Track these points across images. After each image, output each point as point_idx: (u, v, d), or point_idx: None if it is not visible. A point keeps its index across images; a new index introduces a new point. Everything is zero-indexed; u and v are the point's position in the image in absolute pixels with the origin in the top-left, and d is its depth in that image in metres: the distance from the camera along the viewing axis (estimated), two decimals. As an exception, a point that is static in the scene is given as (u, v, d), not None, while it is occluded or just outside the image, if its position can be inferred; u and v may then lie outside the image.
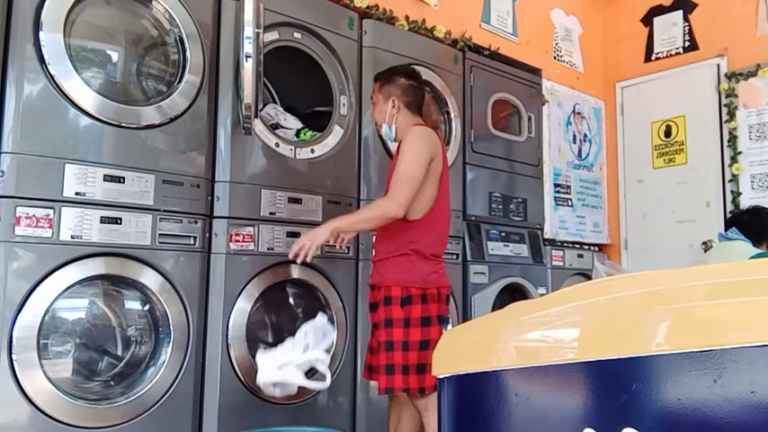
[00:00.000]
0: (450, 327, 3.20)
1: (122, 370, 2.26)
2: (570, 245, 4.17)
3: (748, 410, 0.86)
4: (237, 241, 2.45)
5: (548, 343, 1.11)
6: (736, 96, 4.05)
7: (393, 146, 2.68)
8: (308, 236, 2.24)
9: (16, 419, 1.94)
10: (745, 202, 3.98)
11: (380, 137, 2.83)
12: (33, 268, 2.01)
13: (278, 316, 2.78)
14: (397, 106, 2.35)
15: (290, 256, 2.27)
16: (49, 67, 2.07)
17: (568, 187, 4.30)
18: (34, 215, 2.02)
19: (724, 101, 4.10)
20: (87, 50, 2.28)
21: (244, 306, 2.44)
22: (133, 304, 2.31)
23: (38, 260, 2.02)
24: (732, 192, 4.02)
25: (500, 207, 3.65)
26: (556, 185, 4.20)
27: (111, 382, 2.22)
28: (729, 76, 4.08)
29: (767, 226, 3.10)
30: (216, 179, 2.47)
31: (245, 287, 2.45)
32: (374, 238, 2.54)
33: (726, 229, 3.23)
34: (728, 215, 3.28)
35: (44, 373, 1.99)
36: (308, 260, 2.26)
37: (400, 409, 2.39)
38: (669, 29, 4.44)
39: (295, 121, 2.79)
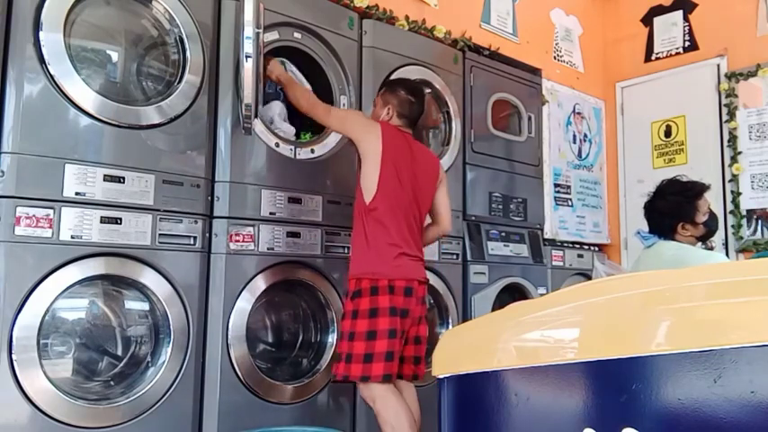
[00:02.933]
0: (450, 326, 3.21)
1: (122, 370, 2.26)
2: (570, 245, 4.17)
3: (748, 410, 0.86)
4: (237, 241, 2.45)
5: (548, 343, 1.11)
6: (736, 96, 4.05)
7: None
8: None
9: (16, 419, 1.94)
10: (745, 203, 3.98)
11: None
12: (33, 268, 2.01)
13: (278, 316, 2.78)
14: (390, 115, 2.48)
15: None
16: (48, 67, 2.07)
17: (568, 187, 4.30)
18: (34, 215, 2.02)
19: (724, 101, 4.10)
20: (87, 50, 2.28)
21: (244, 306, 2.44)
22: (133, 304, 2.31)
23: (38, 260, 2.02)
24: (732, 192, 4.02)
25: (500, 207, 3.65)
26: (556, 185, 4.20)
27: (111, 382, 2.22)
28: (729, 76, 4.08)
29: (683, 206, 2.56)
30: (216, 179, 2.47)
31: (245, 287, 2.45)
32: None
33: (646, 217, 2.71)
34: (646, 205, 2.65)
35: (44, 373, 1.99)
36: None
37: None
38: (669, 29, 4.44)
39: (289, 128, 2.78)
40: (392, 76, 3.03)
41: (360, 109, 2.93)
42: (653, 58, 4.51)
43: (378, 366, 2.20)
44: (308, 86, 2.81)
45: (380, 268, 2.30)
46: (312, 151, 2.73)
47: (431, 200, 2.55)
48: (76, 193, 2.10)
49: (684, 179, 2.63)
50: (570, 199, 4.30)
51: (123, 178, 2.20)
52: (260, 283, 2.50)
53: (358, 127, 2.42)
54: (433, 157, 2.67)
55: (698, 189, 2.57)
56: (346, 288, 2.42)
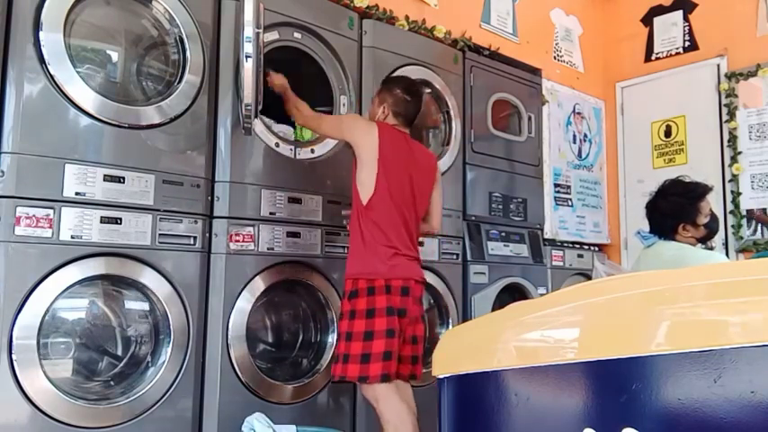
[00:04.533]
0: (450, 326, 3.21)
1: (122, 370, 2.26)
2: (570, 245, 4.17)
3: (748, 410, 0.86)
4: (237, 241, 2.45)
5: (548, 343, 1.11)
6: (736, 96, 4.05)
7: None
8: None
9: (16, 419, 1.94)
10: (745, 203, 3.98)
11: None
12: (33, 268, 2.01)
13: (278, 316, 2.78)
14: (385, 113, 2.47)
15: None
16: (48, 67, 2.07)
17: (568, 187, 4.30)
18: (34, 215, 2.02)
19: (724, 101, 4.10)
20: (87, 50, 2.28)
21: (244, 306, 2.44)
22: (133, 304, 2.31)
23: (38, 260, 2.02)
24: (732, 192, 4.02)
25: (500, 207, 3.65)
26: (556, 185, 4.20)
27: (111, 382, 2.22)
28: (729, 76, 4.08)
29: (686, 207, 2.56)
30: (216, 179, 2.47)
31: (245, 287, 2.45)
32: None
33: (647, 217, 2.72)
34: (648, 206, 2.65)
35: (44, 373, 1.99)
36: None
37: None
38: (669, 29, 4.44)
39: (288, 128, 2.80)
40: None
41: (360, 109, 2.93)
42: (653, 58, 4.50)
43: (375, 366, 2.20)
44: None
45: (377, 268, 2.29)
46: (312, 151, 2.73)
47: (428, 199, 2.55)
48: (76, 193, 2.11)
49: (687, 180, 2.63)
50: (570, 199, 4.30)
51: (123, 178, 2.20)
52: (260, 283, 2.50)
53: (355, 130, 2.41)
54: (430, 155, 2.67)
55: (700, 190, 2.57)
56: (344, 289, 2.41)
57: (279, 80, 2.61)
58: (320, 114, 2.62)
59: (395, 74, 3.06)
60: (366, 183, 2.34)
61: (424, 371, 3.03)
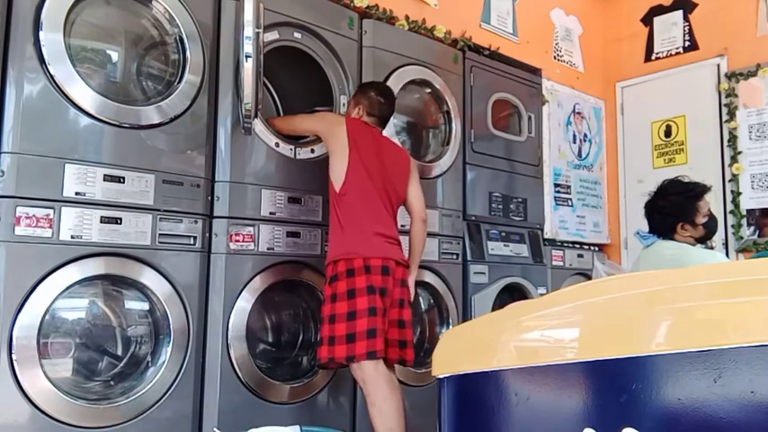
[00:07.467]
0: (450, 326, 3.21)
1: (122, 370, 2.26)
2: (570, 245, 4.17)
3: (748, 410, 0.86)
4: (237, 241, 2.45)
5: (548, 343, 1.11)
6: (736, 96, 4.05)
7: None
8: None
9: (16, 419, 1.94)
10: (745, 203, 3.98)
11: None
12: (33, 268, 2.00)
13: (278, 316, 2.78)
14: (360, 114, 2.60)
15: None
16: (48, 67, 2.07)
17: (568, 187, 4.30)
18: (34, 215, 2.02)
19: (724, 101, 4.10)
20: (87, 50, 2.28)
21: (244, 306, 2.44)
22: (133, 304, 2.31)
23: (38, 260, 2.01)
24: (732, 192, 4.02)
25: (500, 207, 3.65)
26: (556, 185, 4.19)
27: (111, 382, 2.22)
28: (729, 76, 4.08)
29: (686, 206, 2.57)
30: (216, 179, 2.47)
31: (245, 287, 2.45)
32: None
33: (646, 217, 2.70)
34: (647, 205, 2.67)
35: (44, 373, 1.98)
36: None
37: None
38: (669, 29, 4.44)
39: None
40: (391, 77, 3.04)
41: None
42: (653, 57, 4.50)
43: (361, 345, 2.25)
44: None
45: (354, 248, 2.35)
46: (312, 151, 2.73)
47: (403, 191, 2.61)
48: (76, 193, 2.10)
49: (686, 180, 2.64)
50: (570, 199, 4.30)
51: (123, 178, 2.20)
52: (260, 283, 2.50)
53: (325, 124, 2.58)
54: (402, 151, 2.76)
55: (699, 190, 2.58)
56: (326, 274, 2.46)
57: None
58: (292, 115, 2.81)
59: (395, 73, 3.07)
60: (337, 170, 2.44)
61: (424, 370, 3.04)
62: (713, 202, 2.69)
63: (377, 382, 2.28)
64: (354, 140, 2.44)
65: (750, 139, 4.01)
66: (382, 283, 2.35)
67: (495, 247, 3.53)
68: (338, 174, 2.44)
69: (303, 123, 2.69)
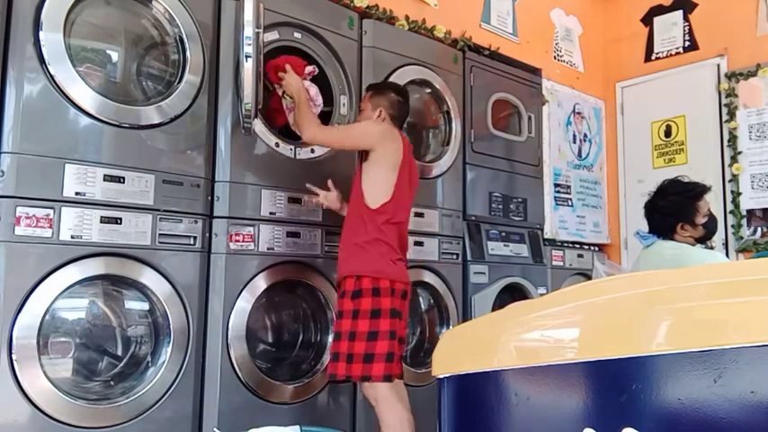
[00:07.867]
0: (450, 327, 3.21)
1: (122, 370, 2.26)
2: (570, 245, 4.17)
3: (748, 410, 0.86)
4: (237, 241, 2.45)
5: (548, 343, 1.11)
6: (736, 96, 4.05)
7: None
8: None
9: (16, 419, 1.94)
10: (745, 203, 3.98)
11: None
12: (33, 268, 2.01)
13: (278, 316, 2.78)
14: (382, 117, 2.50)
15: None
16: (48, 67, 2.07)
17: (568, 187, 4.30)
18: (34, 215, 2.02)
19: (724, 101, 4.10)
20: (87, 50, 2.28)
21: (244, 306, 2.44)
22: (133, 304, 2.31)
23: (38, 260, 2.02)
24: (732, 192, 4.02)
25: (500, 207, 3.65)
26: (556, 185, 4.19)
27: (111, 382, 2.22)
28: (729, 76, 4.08)
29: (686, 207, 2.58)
30: (216, 179, 2.47)
31: (245, 287, 2.45)
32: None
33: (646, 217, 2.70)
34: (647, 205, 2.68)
35: (44, 373, 1.98)
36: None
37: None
38: (669, 29, 4.44)
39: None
40: (391, 77, 3.04)
41: (360, 109, 2.93)
42: (653, 57, 4.50)
43: (378, 366, 2.22)
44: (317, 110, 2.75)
45: (382, 267, 2.31)
46: (312, 151, 2.73)
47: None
48: (76, 193, 2.10)
49: (686, 180, 2.64)
50: (570, 199, 4.30)
51: (123, 178, 2.20)
52: (260, 283, 2.50)
53: (377, 137, 2.39)
54: (415, 164, 2.69)
55: (699, 190, 2.58)
56: (343, 287, 2.39)
57: (296, 83, 2.52)
58: (331, 127, 2.67)
59: (395, 74, 3.07)
60: (382, 188, 2.36)
61: (424, 370, 3.05)
62: (713, 202, 2.69)
63: (390, 402, 2.25)
64: (405, 160, 2.41)
65: (750, 139, 4.01)
66: (401, 306, 2.35)
67: (495, 247, 3.53)
68: (380, 190, 2.36)
69: (335, 139, 2.53)
